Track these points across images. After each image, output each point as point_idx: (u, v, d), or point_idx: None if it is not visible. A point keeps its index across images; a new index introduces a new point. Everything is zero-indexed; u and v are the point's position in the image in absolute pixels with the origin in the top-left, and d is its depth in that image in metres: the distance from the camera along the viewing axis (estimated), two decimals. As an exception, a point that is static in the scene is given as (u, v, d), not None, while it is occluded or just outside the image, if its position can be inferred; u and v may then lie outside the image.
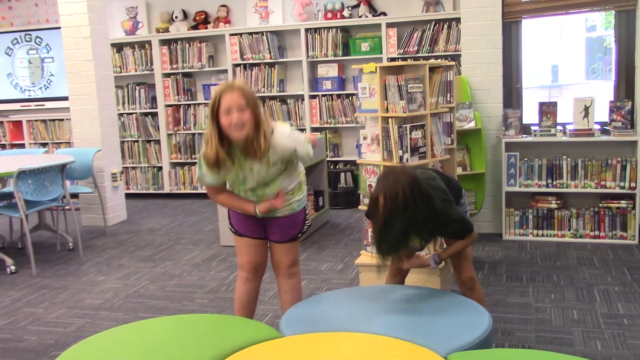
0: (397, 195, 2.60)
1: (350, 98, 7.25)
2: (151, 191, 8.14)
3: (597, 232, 5.24)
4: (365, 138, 4.03)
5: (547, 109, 5.33)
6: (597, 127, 5.23)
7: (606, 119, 5.29)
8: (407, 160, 3.79)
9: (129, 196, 7.69)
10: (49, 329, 3.87)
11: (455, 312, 2.61)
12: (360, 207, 4.13)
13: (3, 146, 8.27)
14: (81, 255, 5.50)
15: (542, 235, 5.37)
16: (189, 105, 7.87)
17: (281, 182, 3.05)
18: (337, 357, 2.03)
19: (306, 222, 3.25)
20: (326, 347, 2.24)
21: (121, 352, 2.32)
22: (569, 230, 5.31)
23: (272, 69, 7.51)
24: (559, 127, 5.31)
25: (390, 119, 3.82)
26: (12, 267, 5.08)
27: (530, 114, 5.74)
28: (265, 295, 4.25)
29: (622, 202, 5.17)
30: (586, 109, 5.16)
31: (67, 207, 5.82)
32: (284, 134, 2.94)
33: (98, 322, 3.93)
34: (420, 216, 2.66)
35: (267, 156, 2.89)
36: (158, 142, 8.02)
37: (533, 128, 5.37)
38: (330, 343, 2.28)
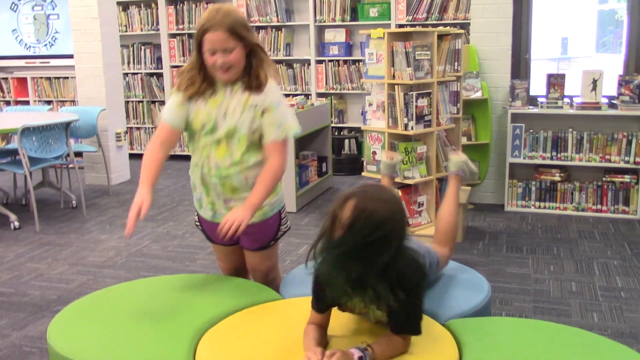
0: (375, 212, 1.79)
1: (357, 64, 7.19)
2: (155, 152, 8.12)
3: (599, 206, 5.25)
4: (370, 104, 4.01)
5: (555, 81, 5.28)
6: (605, 100, 5.19)
7: (614, 92, 5.24)
8: (412, 127, 3.78)
9: (132, 157, 7.67)
10: (52, 285, 3.91)
11: (455, 280, 2.63)
12: (363, 173, 4.13)
13: (8, 103, 8.25)
14: (84, 214, 5.53)
15: (544, 207, 5.38)
16: (194, 66, 7.81)
17: (248, 158, 2.46)
18: (336, 319, 2.05)
19: (282, 226, 2.66)
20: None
21: (122, 309, 2.34)
22: (572, 203, 5.31)
23: (279, 32, 7.44)
24: (566, 100, 5.27)
25: (396, 86, 3.79)
26: (16, 223, 5.12)
27: (537, 86, 5.70)
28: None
29: (626, 176, 5.16)
30: (594, 82, 5.12)
31: (70, 166, 5.83)
32: (277, 91, 2.50)
33: (100, 280, 3.97)
34: (384, 260, 1.80)
35: (250, 95, 2.42)
36: (163, 102, 7.98)
37: (540, 100, 5.34)
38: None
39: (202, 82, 2.42)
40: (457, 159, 2.93)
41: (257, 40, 2.44)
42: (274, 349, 1.99)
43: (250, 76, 2.41)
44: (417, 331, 1.94)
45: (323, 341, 1.97)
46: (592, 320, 3.32)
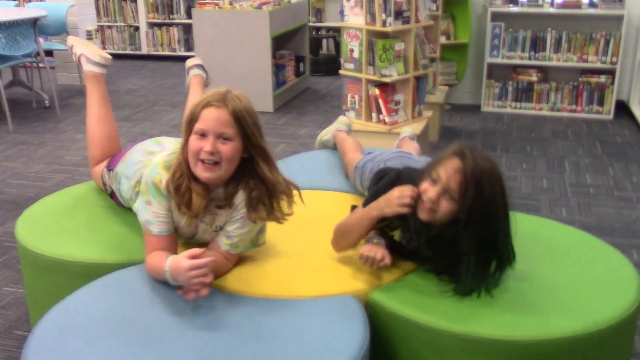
0: (495, 183, 1.66)
1: (335, -40, 6.96)
2: (128, 52, 7.94)
3: (574, 107, 5.30)
4: (348, 0, 3.91)
5: (537, -22, 5.18)
6: (586, 0, 5.13)
7: (595, -9, 5.17)
8: (389, 24, 3.72)
9: (105, 56, 7.50)
10: (28, 183, 3.91)
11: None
12: (340, 71, 4.09)
13: (-29, -1, 7.89)
14: (58, 114, 5.45)
15: (520, 107, 5.42)
16: (166, -39, 7.50)
17: None
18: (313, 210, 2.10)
19: None
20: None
21: (91, 204, 2.35)
22: (547, 103, 5.35)
23: None
24: (547, -2, 5.19)
25: (375, -20, 3.69)
26: (-12, 123, 5.04)
27: (519, -17, 5.58)
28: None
29: (602, 77, 5.18)
30: (576, -21, 5.03)
31: (41, 65, 5.67)
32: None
33: (77, 178, 3.97)
34: (491, 232, 1.70)
35: (215, 215, 1.86)
36: (135, 0, 7.71)
37: (521, -2, 5.25)
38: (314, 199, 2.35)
39: (202, 193, 1.78)
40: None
41: (266, 145, 1.83)
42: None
43: (227, 193, 1.81)
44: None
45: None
46: (561, 214, 3.43)
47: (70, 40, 2.68)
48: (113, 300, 1.74)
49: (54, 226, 2.19)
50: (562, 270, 1.90)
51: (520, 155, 4.34)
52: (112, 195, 2.27)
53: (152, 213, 1.81)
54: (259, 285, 1.82)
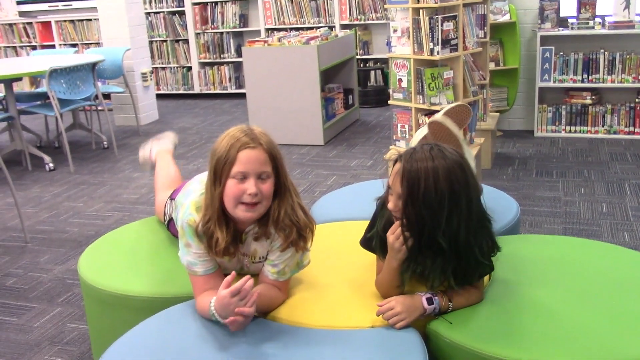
0: (432, 178, 1.65)
1: (380, -7, 7.04)
2: (181, 91, 8.17)
3: (631, 128, 5.15)
4: (395, 31, 3.94)
5: (586, 0, 5.10)
6: (639, 19, 5.02)
7: (648, 10, 5.06)
8: (438, 52, 3.72)
9: (159, 97, 7.74)
10: (89, 221, 4.03)
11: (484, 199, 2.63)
12: (390, 102, 4.11)
13: (34, 47, 8.30)
14: (116, 154, 5.62)
15: (575, 131, 5.30)
16: (216, 2, 7.73)
17: None
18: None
19: None
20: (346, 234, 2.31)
21: (151, 240, 2.41)
22: (603, 126, 5.22)
23: (300, -37, 7.28)
24: (598, 20, 5.10)
25: (421, 10, 3.71)
26: (51, 165, 5.24)
27: (568, 6, 5.50)
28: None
29: (660, 97, 5.04)
30: (628, -1, 4.94)
31: (100, 108, 5.89)
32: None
33: (135, 215, 4.08)
34: (456, 222, 1.68)
35: (254, 247, 1.89)
36: (186, 41, 7.95)
37: (570, 21, 5.18)
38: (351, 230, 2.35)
39: (226, 237, 1.77)
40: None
41: (288, 174, 1.83)
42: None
43: (260, 224, 1.81)
44: (491, 268, 1.83)
45: None
46: (623, 239, 3.32)
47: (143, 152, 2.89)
48: (172, 335, 1.76)
49: (115, 262, 2.25)
50: (628, 296, 1.83)
51: (578, 180, 4.23)
52: (169, 224, 2.32)
53: (193, 254, 1.82)
54: (312, 315, 1.82)
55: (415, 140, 2.84)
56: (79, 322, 2.81)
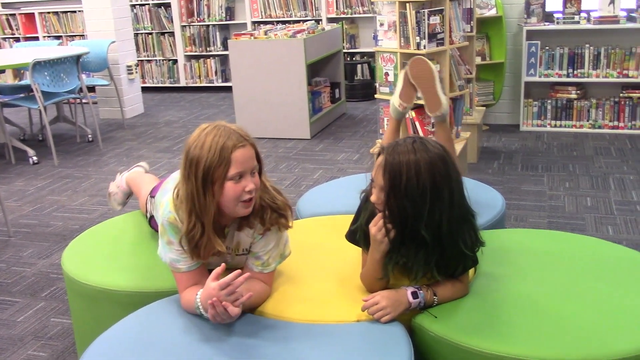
0: (414, 169, 1.66)
1: (367, -14, 7.02)
2: (167, 84, 8.11)
3: (616, 123, 5.19)
4: (381, 24, 3.94)
5: (572, -5, 5.13)
6: (624, 14, 5.05)
7: (633, 5, 5.09)
8: (424, 46, 3.72)
9: (145, 90, 7.68)
10: (73, 215, 4.00)
11: (469, 193, 2.64)
12: (376, 96, 4.10)
13: (17, 39, 8.20)
14: (101, 147, 5.58)
15: (560, 126, 5.33)
16: (202, -5, 7.68)
17: None
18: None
19: None
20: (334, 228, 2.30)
21: (135, 234, 2.39)
22: (588, 120, 5.25)
23: (287, -44, 7.24)
24: (583, 14, 5.12)
25: (407, 4, 3.71)
26: (34, 158, 5.18)
27: (553, 1, 5.53)
28: (282, 183, 4.30)
29: (644, 91, 5.07)
30: (613, -6, 4.96)
31: (84, 100, 5.84)
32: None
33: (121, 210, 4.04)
34: (438, 215, 1.69)
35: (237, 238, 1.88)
36: (172, 34, 7.89)
37: (556, 15, 5.20)
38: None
39: (205, 246, 1.76)
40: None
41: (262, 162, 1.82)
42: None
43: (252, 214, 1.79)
44: (475, 261, 1.83)
45: None
46: (607, 233, 3.35)
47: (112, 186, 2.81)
48: (156, 329, 1.75)
49: (99, 256, 2.24)
50: (613, 289, 1.85)
51: (563, 174, 4.26)
52: (150, 220, 2.31)
53: (175, 251, 1.80)
54: (297, 310, 1.81)
55: (399, 81, 2.95)
56: (63, 316, 2.79)
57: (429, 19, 3.68)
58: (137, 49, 7.88)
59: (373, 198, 1.75)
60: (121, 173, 2.82)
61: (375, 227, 1.75)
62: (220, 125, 1.73)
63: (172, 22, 7.83)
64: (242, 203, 1.73)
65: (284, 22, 7.01)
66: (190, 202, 1.72)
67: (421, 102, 3.82)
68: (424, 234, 1.69)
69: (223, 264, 1.70)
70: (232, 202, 1.72)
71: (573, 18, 5.10)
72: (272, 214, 1.81)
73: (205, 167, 1.67)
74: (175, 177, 2.16)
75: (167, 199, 1.83)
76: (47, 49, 5.79)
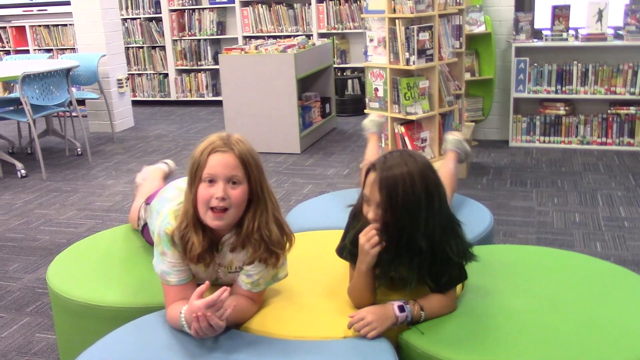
0: (408, 182, 1.68)
1: (358, 2, 7.05)
2: (157, 98, 8.11)
3: (604, 139, 5.22)
4: (371, 40, 3.96)
5: (560, 12, 5.18)
6: (611, 31, 5.10)
7: (620, 23, 5.15)
8: (413, 62, 3.74)
9: (135, 103, 7.67)
10: (61, 229, 3.97)
11: (456, 212, 2.64)
12: (366, 111, 4.11)
13: (7, 52, 8.18)
14: (90, 161, 5.55)
15: (549, 142, 5.36)
16: (193, 10, 7.70)
17: None
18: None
19: None
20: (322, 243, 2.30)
21: (121, 249, 2.38)
22: (576, 136, 5.29)
23: (278, -29, 7.29)
24: (572, 32, 5.18)
25: (397, 20, 3.74)
26: (23, 171, 5.15)
27: (542, 18, 5.59)
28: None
29: (632, 108, 5.11)
30: (600, 12, 5.02)
31: (74, 114, 5.81)
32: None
33: (108, 223, 4.02)
34: (432, 223, 1.71)
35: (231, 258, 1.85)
36: (163, 48, 7.90)
37: (544, 32, 5.25)
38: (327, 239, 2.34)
39: (202, 242, 1.75)
40: (454, 137, 2.90)
41: (269, 187, 1.82)
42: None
43: (241, 234, 1.78)
44: (464, 276, 1.85)
45: None
46: (595, 249, 3.36)
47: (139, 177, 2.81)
48: (141, 345, 1.74)
49: (85, 271, 2.22)
50: (600, 305, 1.85)
51: (551, 190, 4.28)
52: (143, 230, 2.29)
53: (167, 263, 1.78)
54: (284, 326, 1.80)
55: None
56: (48, 332, 2.76)
57: (418, 35, 3.71)
58: (128, 63, 7.88)
59: (370, 215, 1.74)
60: (147, 166, 2.83)
61: (365, 237, 1.75)
62: (225, 134, 1.76)
63: (163, 36, 7.85)
64: (210, 212, 1.70)
65: (275, 37, 7.04)
66: (185, 199, 1.77)
67: (410, 117, 3.84)
68: (420, 243, 1.71)
69: (207, 282, 1.69)
70: (202, 206, 1.71)
71: (561, 35, 5.15)
72: (263, 247, 1.78)
73: (190, 164, 1.74)
74: (175, 185, 2.15)
75: (168, 209, 1.82)
76: (37, 62, 5.78)
